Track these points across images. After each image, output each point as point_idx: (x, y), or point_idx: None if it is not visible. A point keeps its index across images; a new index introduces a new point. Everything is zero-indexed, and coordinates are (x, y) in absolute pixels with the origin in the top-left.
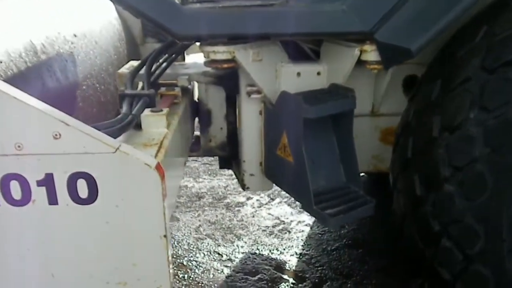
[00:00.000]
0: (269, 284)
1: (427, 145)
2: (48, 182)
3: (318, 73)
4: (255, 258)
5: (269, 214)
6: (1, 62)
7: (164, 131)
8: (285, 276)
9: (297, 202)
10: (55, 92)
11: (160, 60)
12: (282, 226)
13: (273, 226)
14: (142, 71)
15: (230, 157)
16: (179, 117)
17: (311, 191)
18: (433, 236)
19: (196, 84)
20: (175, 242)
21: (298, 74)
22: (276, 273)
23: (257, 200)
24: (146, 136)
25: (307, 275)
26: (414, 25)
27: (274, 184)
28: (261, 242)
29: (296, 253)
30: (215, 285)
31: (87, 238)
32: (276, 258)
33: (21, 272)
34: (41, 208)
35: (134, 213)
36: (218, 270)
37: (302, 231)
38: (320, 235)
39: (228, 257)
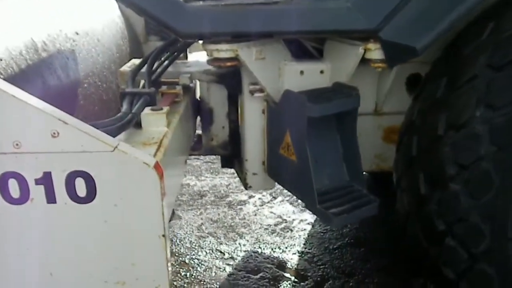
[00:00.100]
0: (271, 282)
1: (432, 144)
2: (46, 180)
3: (322, 72)
4: (257, 257)
5: (271, 212)
6: (1, 60)
7: (164, 130)
8: (287, 275)
9: (299, 201)
10: (56, 90)
11: (162, 58)
12: (284, 224)
13: (275, 225)
14: (144, 69)
15: (232, 156)
16: (180, 116)
17: (315, 190)
18: (438, 235)
19: (198, 83)
20: (177, 240)
21: (301, 72)
22: (278, 272)
23: (259, 198)
24: (145, 134)
25: (309, 274)
26: (419, 24)
27: (276, 183)
28: (263, 240)
29: (298, 252)
30: (217, 283)
31: (86, 237)
32: (278, 256)
33: (19, 270)
34: (39, 207)
35: (133, 212)
36: (220, 268)
37: (304, 229)
38: (322, 234)
39: (230, 255)
